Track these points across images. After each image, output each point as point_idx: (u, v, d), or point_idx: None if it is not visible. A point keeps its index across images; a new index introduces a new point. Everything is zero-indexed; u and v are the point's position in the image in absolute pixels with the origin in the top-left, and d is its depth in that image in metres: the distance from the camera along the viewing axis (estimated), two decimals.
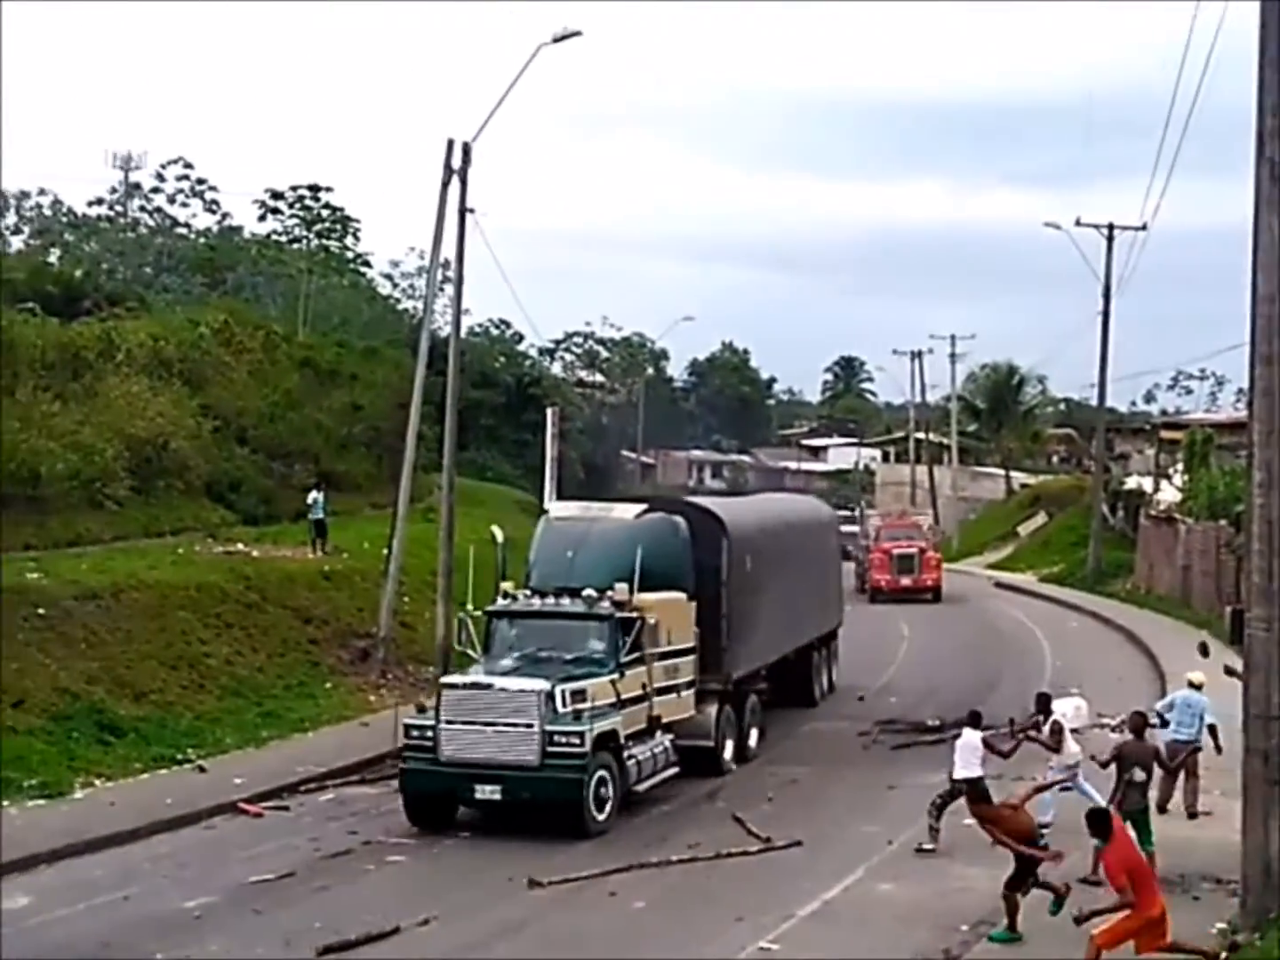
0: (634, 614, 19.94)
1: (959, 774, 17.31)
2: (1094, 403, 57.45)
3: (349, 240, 68.34)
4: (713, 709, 22.10)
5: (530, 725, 18.46)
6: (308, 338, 53.27)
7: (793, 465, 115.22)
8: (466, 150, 29.14)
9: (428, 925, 15.13)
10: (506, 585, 21.34)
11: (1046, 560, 59.44)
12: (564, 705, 18.64)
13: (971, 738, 17.50)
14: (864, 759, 24.02)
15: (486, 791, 18.56)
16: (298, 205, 65.84)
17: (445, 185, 29.37)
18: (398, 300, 74.31)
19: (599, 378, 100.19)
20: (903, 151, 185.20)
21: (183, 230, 69.07)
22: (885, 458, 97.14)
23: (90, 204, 69.38)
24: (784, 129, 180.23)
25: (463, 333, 36.03)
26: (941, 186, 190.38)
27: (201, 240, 68.59)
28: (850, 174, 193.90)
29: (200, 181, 68.21)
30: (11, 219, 69.11)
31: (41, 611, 23.97)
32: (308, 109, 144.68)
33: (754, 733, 24.05)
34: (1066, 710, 25.62)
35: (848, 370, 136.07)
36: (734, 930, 14.94)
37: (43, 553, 28.28)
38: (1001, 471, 79.36)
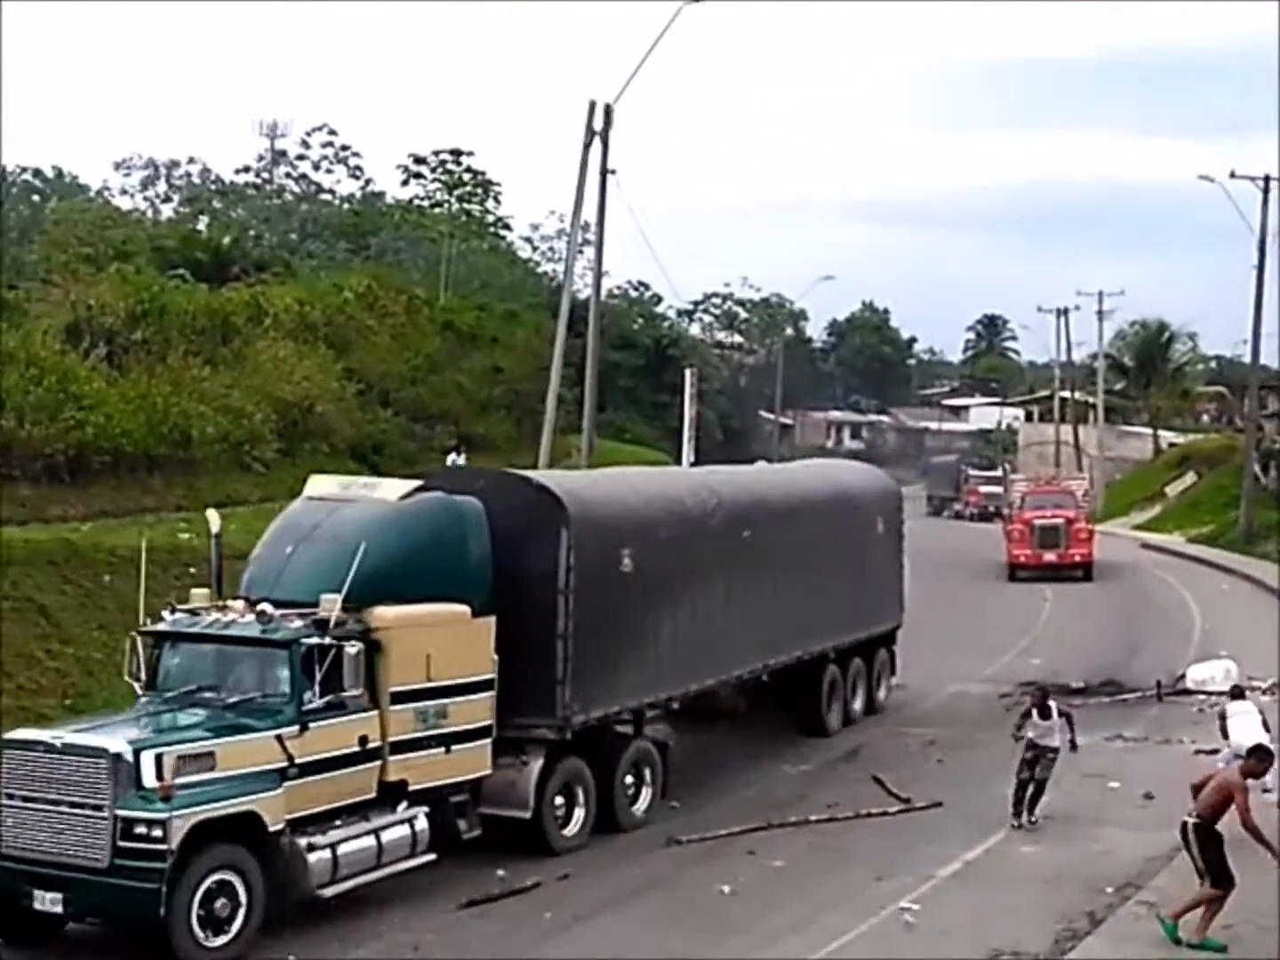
0: (344, 638, 14.09)
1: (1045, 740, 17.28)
2: (1247, 360, 55.96)
3: (490, 204, 69.04)
4: (534, 767, 15.97)
5: (97, 806, 12.79)
6: (449, 301, 53.91)
7: (933, 425, 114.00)
8: (608, 112, 29.22)
9: (567, 880, 15.30)
10: (199, 592, 15.76)
11: (1195, 521, 58.07)
12: (155, 776, 12.82)
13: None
14: (1006, 721, 23.65)
15: (46, 901, 12.91)
16: (440, 170, 66.57)
17: (587, 147, 29.49)
18: (537, 263, 74.85)
19: (737, 339, 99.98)
20: (1051, 106, 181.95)
21: (327, 196, 70.20)
22: (1029, 417, 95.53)
23: (237, 171, 70.88)
24: (933, 87, 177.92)
25: (602, 295, 36.17)
26: (1089, 141, 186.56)
27: (345, 206, 69.65)
28: (995, 129, 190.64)
29: (344, 148, 69.32)
30: (162, 187, 70.81)
31: (193, 570, 24.54)
32: (449, 74, 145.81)
33: (644, 795, 17.55)
34: (1215, 674, 25.20)
35: (990, 329, 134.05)
36: (873, 889, 14.90)
37: (193, 513, 28.97)
38: (1149, 431, 77.65)
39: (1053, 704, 17.70)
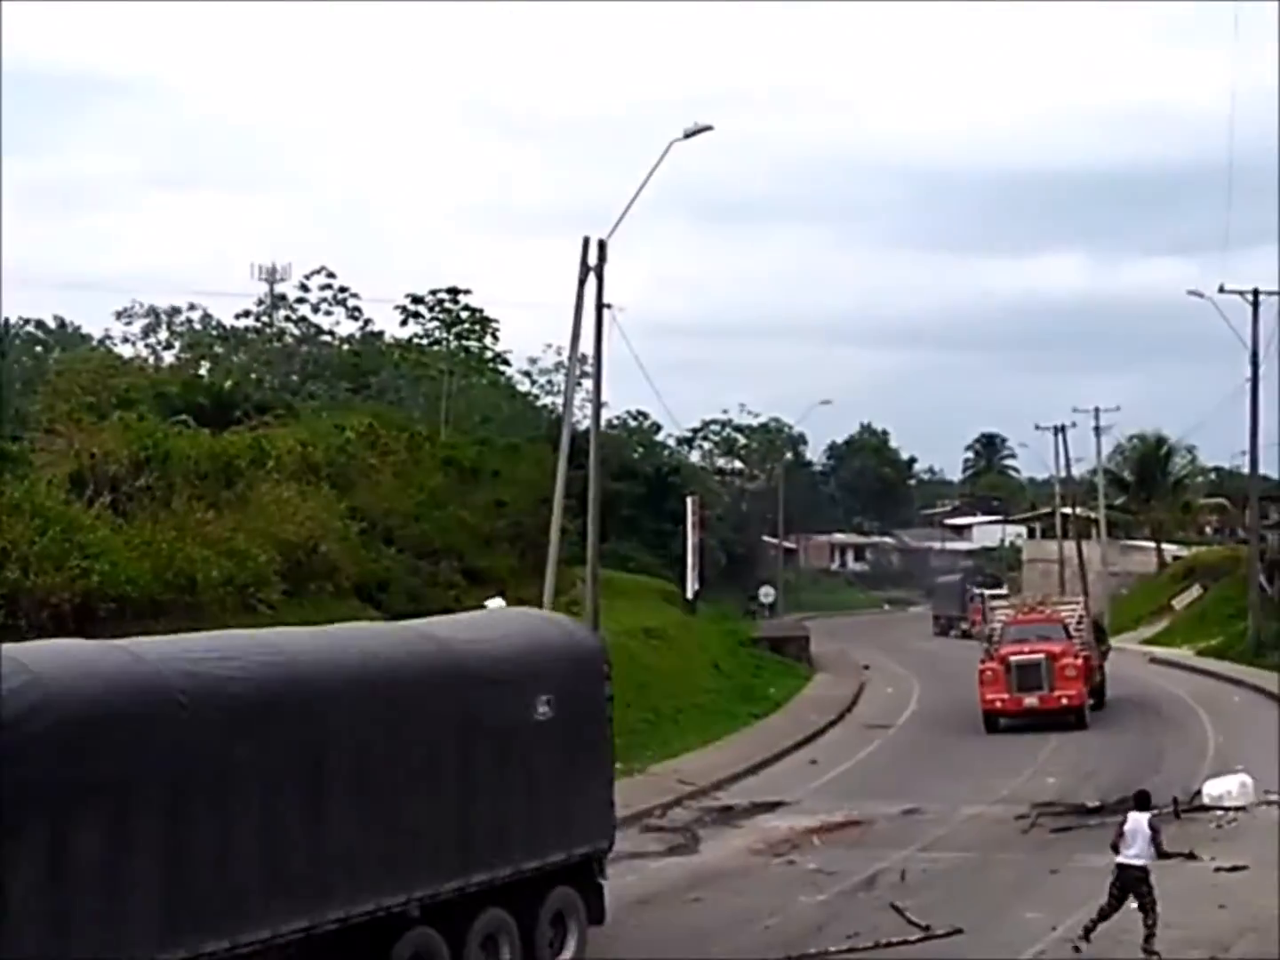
0: None
1: (1122, 859, 16.69)
2: (1246, 471, 56.22)
3: (488, 340, 69.74)
4: None
5: None
6: (450, 437, 54.27)
7: (937, 545, 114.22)
8: (602, 247, 29.66)
9: None
10: None
11: (1203, 634, 57.98)
12: None
13: (1139, 821, 16.76)
14: (1023, 843, 23.54)
15: None
16: (437, 308, 67.39)
17: (582, 282, 29.89)
18: (537, 396, 75.53)
19: (737, 464, 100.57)
20: (1039, 224, 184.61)
21: (327, 338, 70.98)
22: (1031, 534, 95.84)
23: (238, 316, 71.74)
24: (914, 207, 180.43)
25: (601, 425, 36.47)
26: (1080, 259, 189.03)
27: (345, 347, 70.40)
28: (985, 250, 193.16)
29: (343, 290, 70.18)
30: (163, 334, 71.60)
31: None
32: (444, 213, 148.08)
33: None
34: (1232, 788, 25.04)
35: (989, 447, 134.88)
36: None
37: None
38: (1152, 544, 77.84)
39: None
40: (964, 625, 73.04)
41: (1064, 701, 35.13)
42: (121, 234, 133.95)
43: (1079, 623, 38.75)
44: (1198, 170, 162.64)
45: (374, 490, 42.43)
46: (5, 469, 29.31)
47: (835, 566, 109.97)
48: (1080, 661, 36.05)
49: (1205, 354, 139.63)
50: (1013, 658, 35.64)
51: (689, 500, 58.14)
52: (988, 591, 74.56)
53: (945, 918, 18.15)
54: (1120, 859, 16.74)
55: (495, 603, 34.94)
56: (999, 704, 35.54)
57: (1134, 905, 16.45)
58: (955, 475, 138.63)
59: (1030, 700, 35.09)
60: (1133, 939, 16.52)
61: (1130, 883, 16.50)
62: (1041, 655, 35.45)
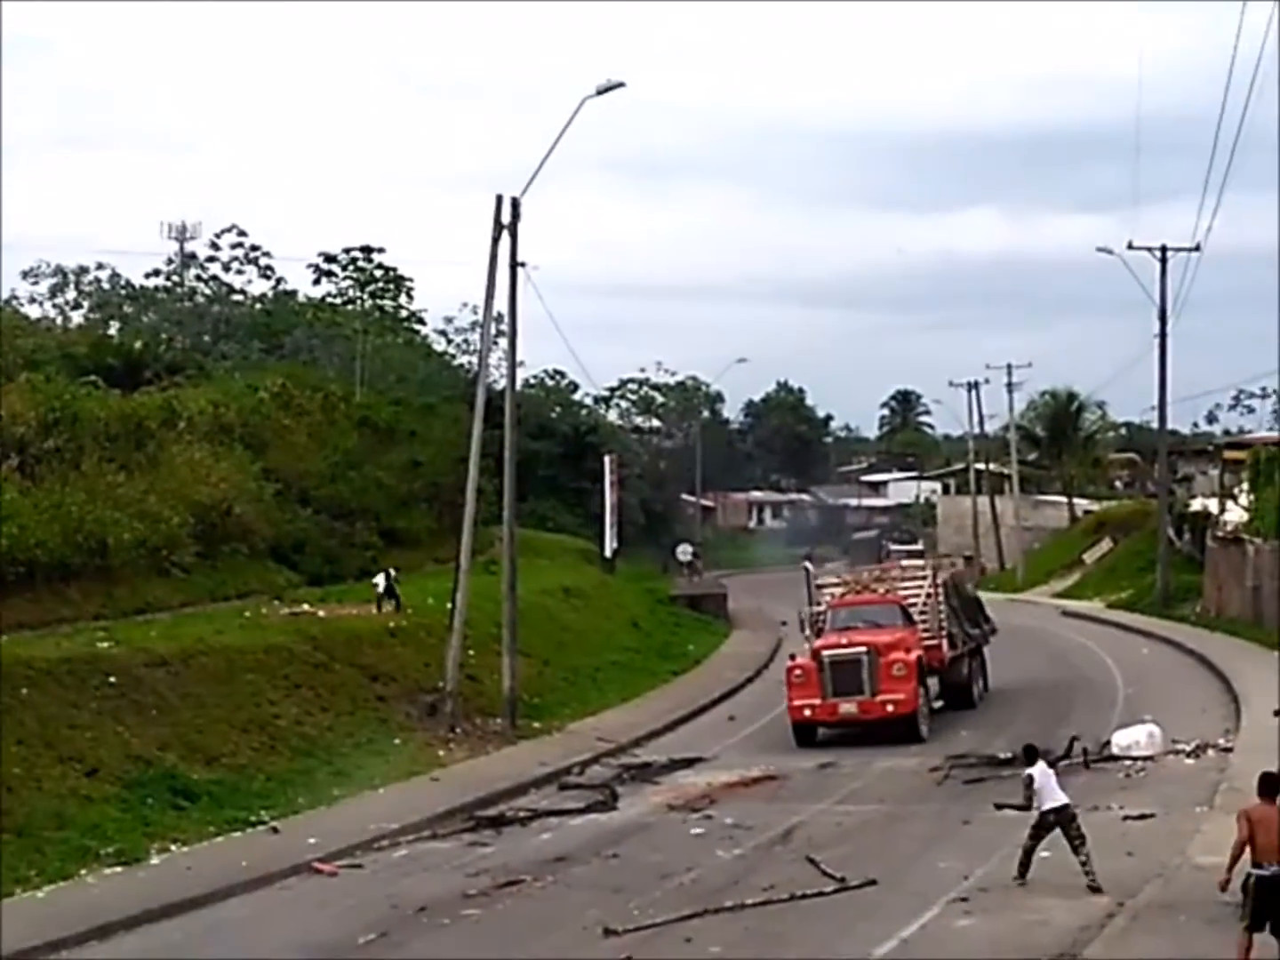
0: None
1: (1048, 804, 17.36)
2: (1155, 426, 57.00)
3: (402, 299, 69.07)
4: None
5: None
6: (365, 397, 53.87)
7: (853, 502, 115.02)
8: (515, 205, 29.43)
9: None
10: None
11: (1114, 586, 58.89)
12: None
13: (1042, 768, 17.64)
14: (937, 794, 23.83)
15: None
16: (351, 267, 66.64)
17: (496, 240, 29.66)
18: (453, 356, 75.04)
19: (655, 423, 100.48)
20: (953, 183, 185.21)
21: (239, 297, 70.03)
22: (946, 490, 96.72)
23: (147, 275, 70.53)
24: (831, 166, 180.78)
25: (518, 384, 36.30)
26: (994, 217, 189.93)
27: (257, 306, 69.52)
28: (900, 207, 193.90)
29: (254, 248, 69.18)
30: (71, 294, 70.31)
31: (113, 680, 24.24)
32: (358, 170, 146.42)
33: None
34: (1140, 738, 25.47)
35: (904, 404, 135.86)
36: None
37: (112, 621, 28.64)
38: (1064, 499, 78.80)
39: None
40: None
41: (889, 709, 27.76)
42: (27, 193, 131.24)
43: (928, 601, 30.87)
44: (1108, 130, 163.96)
45: (288, 451, 42.13)
46: None
47: (753, 524, 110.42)
48: (913, 656, 28.52)
49: (1115, 311, 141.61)
50: (826, 652, 28.40)
51: (606, 459, 58.12)
52: (901, 547, 75.46)
53: (860, 869, 18.37)
54: (1047, 805, 17.38)
55: (380, 579, 34.00)
56: (808, 711, 28.19)
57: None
58: (871, 432, 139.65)
59: (847, 707, 27.99)
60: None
61: (1062, 823, 17.32)
62: (862, 649, 28.19)
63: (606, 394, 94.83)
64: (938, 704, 30.90)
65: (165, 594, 31.58)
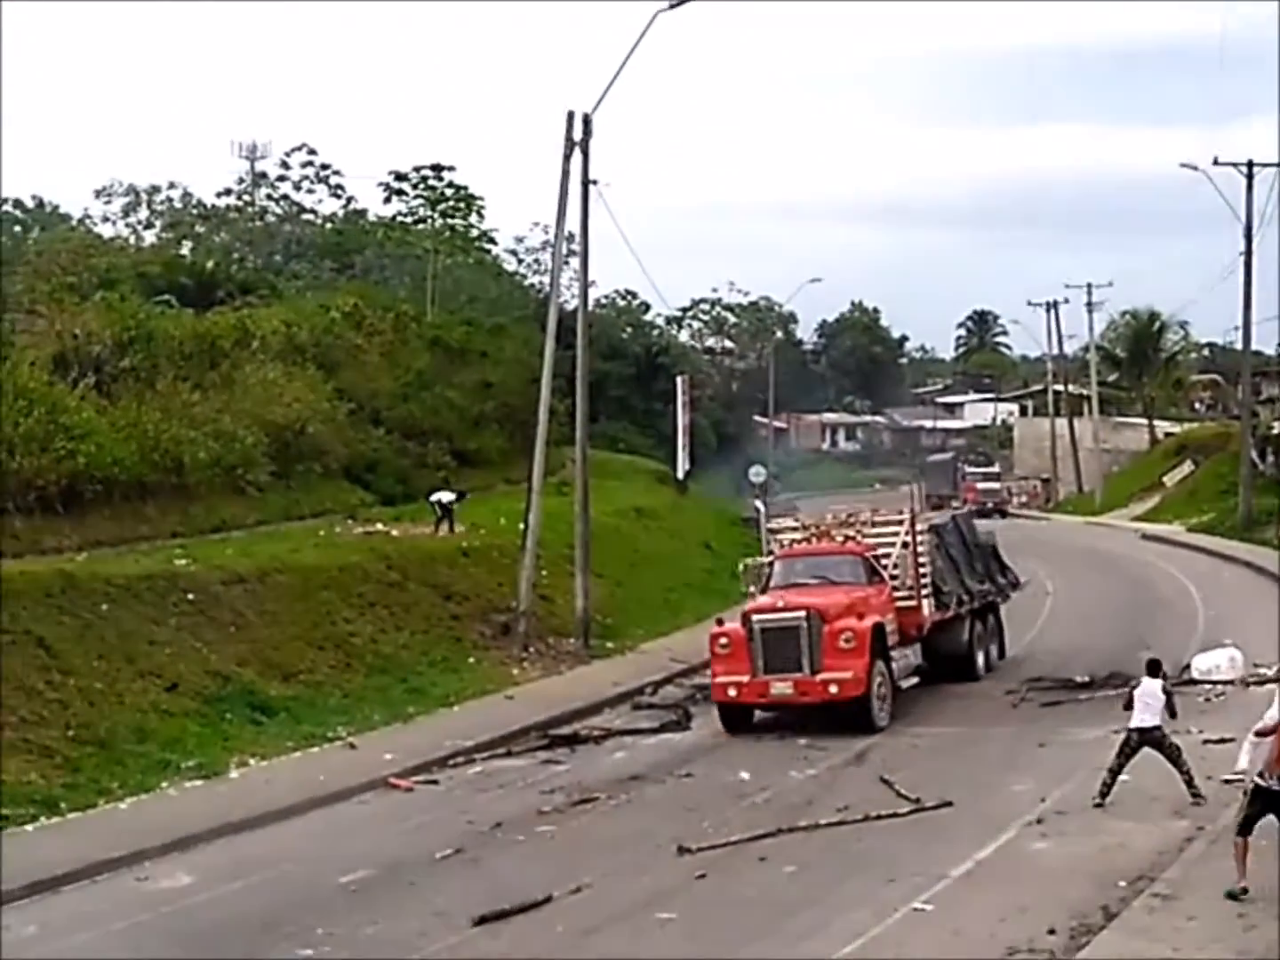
0: None
1: (1134, 723, 17.25)
2: (1239, 346, 55.92)
3: (473, 218, 68.71)
4: None
5: None
6: (436, 317, 53.80)
7: (928, 424, 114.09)
8: (587, 122, 29.10)
9: (579, 894, 15.18)
10: None
11: (1194, 510, 58.08)
12: None
13: (1152, 686, 17.40)
14: (1013, 717, 23.66)
15: None
16: (421, 186, 66.34)
17: (567, 158, 29.36)
18: (524, 276, 74.72)
19: (727, 344, 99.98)
20: (1033, 100, 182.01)
21: (309, 216, 70.00)
22: (1023, 412, 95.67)
23: (219, 195, 70.62)
24: (909, 82, 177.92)
25: (590, 305, 36.06)
26: (1073, 133, 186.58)
27: (328, 225, 69.49)
28: (978, 125, 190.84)
29: (325, 167, 69.03)
30: (143, 213, 70.55)
31: (191, 597, 24.48)
32: (427, 88, 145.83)
33: None
34: (1220, 663, 25.13)
35: (981, 325, 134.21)
36: (886, 892, 14.78)
37: (189, 539, 28.90)
38: (1144, 421, 77.71)
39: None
40: (955, 503, 73.33)
41: (832, 690, 22.33)
42: (98, 111, 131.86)
43: (902, 550, 24.99)
44: (1193, 44, 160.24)
45: (360, 371, 42.19)
46: None
47: (826, 446, 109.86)
48: (867, 623, 22.84)
49: (1199, 228, 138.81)
50: (756, 618, 23.02)
51: (679, 380, 57.80)
52: (976, 470, 74.81)
53: (935, 791, 18.27)
54: (1133, 724, 17.33)
55: (439, 495, 33.76)
56: (733, 691, 22.91)
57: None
58: (947, 353, 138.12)
59: (780, 686, 22.65)
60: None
61: (1150, 743, 17.29)
62: (800, 614, 22.69)
63: (679, 314, 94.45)
64: (911, 681, 24.53)
65: (240, 513, 31.80)
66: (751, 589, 24.97)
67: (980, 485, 72.95)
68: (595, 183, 29.75)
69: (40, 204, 72.50)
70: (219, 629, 24.31)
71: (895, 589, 24.61)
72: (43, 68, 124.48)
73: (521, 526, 30.38)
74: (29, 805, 18.34)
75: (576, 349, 30.73)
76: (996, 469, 78.08)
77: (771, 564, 25.28)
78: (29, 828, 17.90)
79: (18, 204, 71.68)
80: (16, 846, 17.16)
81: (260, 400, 35.06)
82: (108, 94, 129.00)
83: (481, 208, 68.32)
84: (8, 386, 27.60)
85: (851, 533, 25.66)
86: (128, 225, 69.63)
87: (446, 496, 33.76)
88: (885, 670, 23.23)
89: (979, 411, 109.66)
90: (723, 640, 23.28)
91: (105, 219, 69.51)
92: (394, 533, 32.79)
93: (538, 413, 30.04)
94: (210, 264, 52.88)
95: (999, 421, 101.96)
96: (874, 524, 25.72)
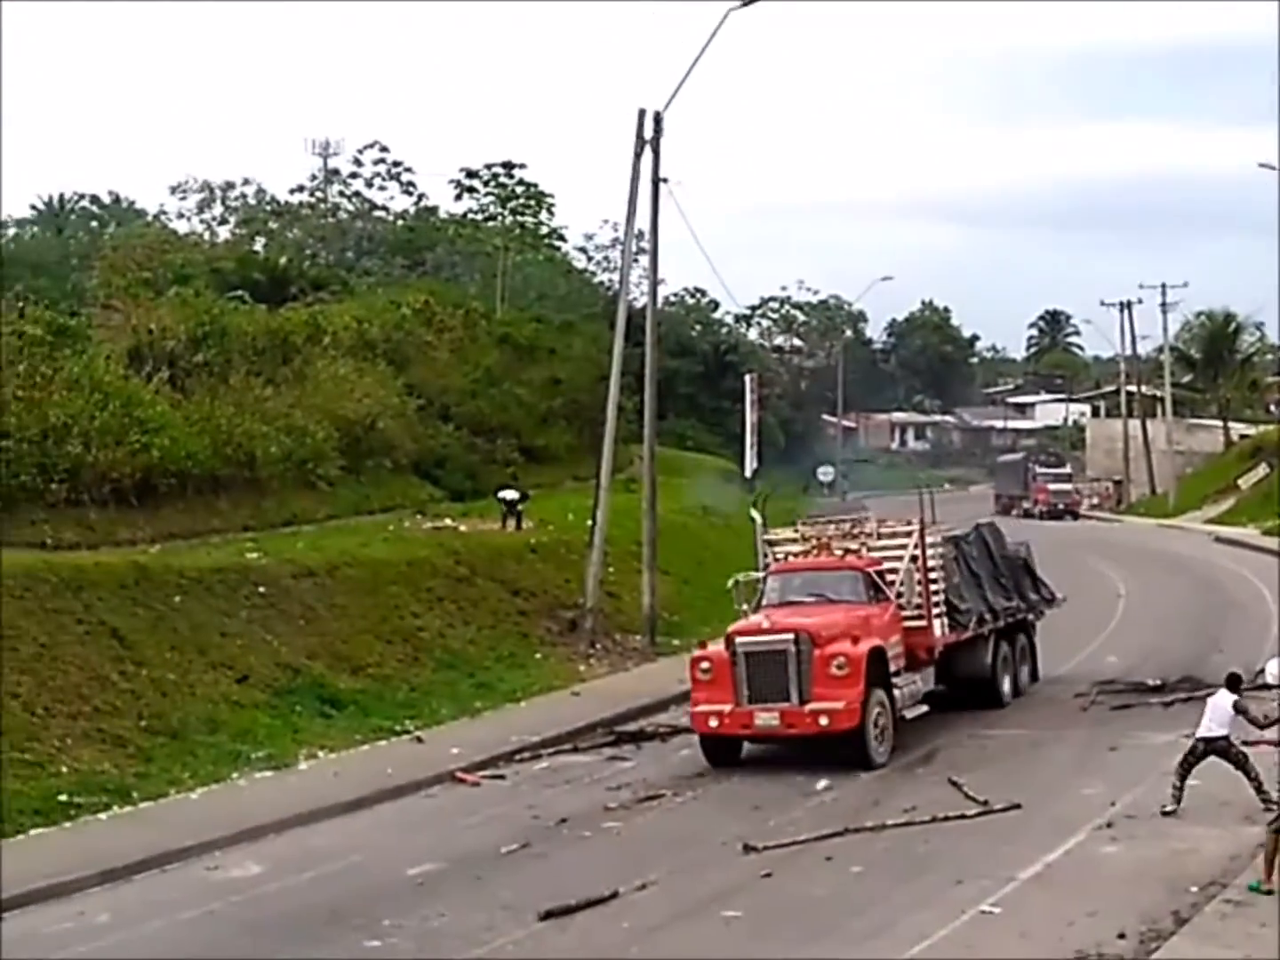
0: None
1: (1200, 732, 17.01)
2: None
3: (543, 215, 69.02)
4: None
5: None
6: (506, 314, 54.02)
7: (999, 424, 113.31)
8: (658, 120, 29.10)
9: (645, 890, 15.18)
10: None
11: (1269, 513, 57.21)
12: None
13: (1224, 699, 16.98)
14: (1083, 720, 23.41)
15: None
16: (492, 183, 66.72)
17: (638, 156, 29.39)
18: (593, 273, 74.89)
19: (796, 342, 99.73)
20: (1107, 100, 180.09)
21: (381, 213, 70.51)
22: (1095, 413, 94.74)
23: (292, 191, 71.31)
24: (978, 82, 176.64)
25: (659, 303, 36.06)
26: (1149, 133, 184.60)
27: (400, 222, 69.94)
28: (1052, 124, 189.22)
29: (396, 164, 69.55)
30: (218, 209, 71.34)
31: (262, 590, 24.72)
32: (499, 86, 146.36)
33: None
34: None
35: (1053, 325, 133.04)
36: (953, 893, 14.67)
37: (260, 533, 29.17)
38: (1219, 423, 76.74)
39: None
40: (1025, 504, 72.82)
41: (822, 722, 19.92)
42: (173, 108, 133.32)
43: (911, 565, 22.51)
44: (1271, 42, 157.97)
45: (430, 367, 42.43)
46: (64, 344, 29.34)
47: (895, 445, 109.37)
48: (863, 647, 20.41)
49: (1275, 228, 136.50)
50: (741, 640, 20.67)
51: (747, 378, 57.76)
52: (1047, 470, 74.13)
53: (1003, 793, 18.11)
54: (1200, 733, 17.10)
55: (505, 493, 34.10)
56: (715, 721, 20.50)
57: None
58: (1018, 353, 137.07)
59: (766, 717, 20.25)
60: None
61: (1216, 752, 16.99)
62: (788, 636, 20.34)
63: (747, 312, 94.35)
64: (918, 710, 21.78)
65: (311, 507, 32.07)
66: (745, 607, 22.22)
67: (1051, 486, 72.33)
68: (665, 180, 29.78)
69: (117, 200, 73.49)
70: (289, 622, 24.52)
71: (902, 607, 22.13)
72: (121, 65, 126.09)
73: (589, 523, 30.43)
74: (102, 794, 18.59)
75: (645, 346, 30.73)
76: (1068, 470, 77.37)
77: (765, 580, 22.81)
78: (102, 816, 18.14)
79: (95, 200, 72.72)
80: (90, 835, 17.43)
81: (331, 395, 35.35)
82: (185, 91, 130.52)
83: (552, 205, 68.68)
84: (84, 380, 27.97)
85: (856, 545, 23.03)
86: (202, 221, 70.51)
87: (510, 495, 33.93)
88: (885, 700, 20.63)
89: (1050, 412, 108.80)
90: (704, 665, 20.98)
91: (180, 215, 70.43)
92: (462, 528, 32.96)
93: (606, 410, 30.07)
94: (283, 260, 53.37)
95: (1071, 422, 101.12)
96: (880, 536, 23.23)
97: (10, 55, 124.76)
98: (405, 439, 37.29)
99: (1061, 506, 70.68)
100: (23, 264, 51.87)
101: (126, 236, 59.15)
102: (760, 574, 23.21)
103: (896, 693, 21.10)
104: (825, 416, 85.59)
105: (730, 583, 23.33)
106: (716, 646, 21.26)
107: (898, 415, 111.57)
